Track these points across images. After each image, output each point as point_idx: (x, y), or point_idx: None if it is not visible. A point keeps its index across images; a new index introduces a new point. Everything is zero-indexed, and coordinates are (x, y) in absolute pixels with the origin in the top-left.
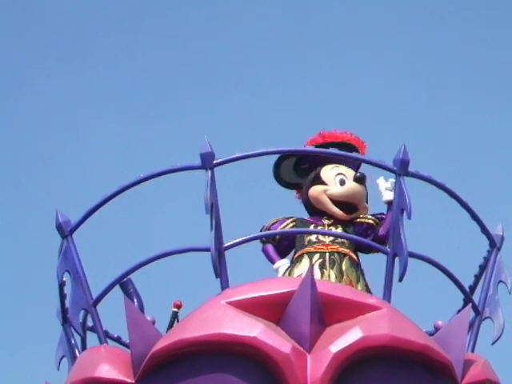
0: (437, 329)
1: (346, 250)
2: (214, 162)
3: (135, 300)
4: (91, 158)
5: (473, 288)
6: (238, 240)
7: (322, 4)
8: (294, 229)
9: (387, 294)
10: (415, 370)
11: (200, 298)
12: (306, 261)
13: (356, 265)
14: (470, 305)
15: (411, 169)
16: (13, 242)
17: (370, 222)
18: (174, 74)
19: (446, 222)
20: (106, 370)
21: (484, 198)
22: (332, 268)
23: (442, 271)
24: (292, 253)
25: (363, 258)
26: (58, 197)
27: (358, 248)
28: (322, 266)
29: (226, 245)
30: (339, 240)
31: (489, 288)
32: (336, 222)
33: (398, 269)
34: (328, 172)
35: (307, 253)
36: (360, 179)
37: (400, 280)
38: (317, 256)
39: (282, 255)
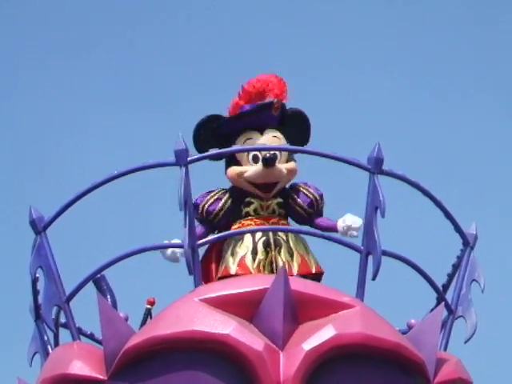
0: (410, 327)
1: (285, 222)
2: (188, 159)
3: (108, 296)
4: (72, 155)
5: (446, 287)
6: (211, 237)
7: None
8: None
9: (360, 293)
10: (388, 368)
11: (173, 294)
12: (248, 239)
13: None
14: (443, 304)
15: (385, 167)
16: None
17: (311, 197)
18: (168, 71)
19: (420, 220)
20: (78, 367)
21: (458, 197)
22: (279, 252)
23: (415, 270)
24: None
25: (336, 256)
26: (33, 193)
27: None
28: (267, 245)
29: (199, 242)
30: (277, 211)
31: (462, 287)
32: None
33: (371, 267)
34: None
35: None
36: (267, 163)
37: (373, 278)
38: (259, 233)
39: (219, 232)
